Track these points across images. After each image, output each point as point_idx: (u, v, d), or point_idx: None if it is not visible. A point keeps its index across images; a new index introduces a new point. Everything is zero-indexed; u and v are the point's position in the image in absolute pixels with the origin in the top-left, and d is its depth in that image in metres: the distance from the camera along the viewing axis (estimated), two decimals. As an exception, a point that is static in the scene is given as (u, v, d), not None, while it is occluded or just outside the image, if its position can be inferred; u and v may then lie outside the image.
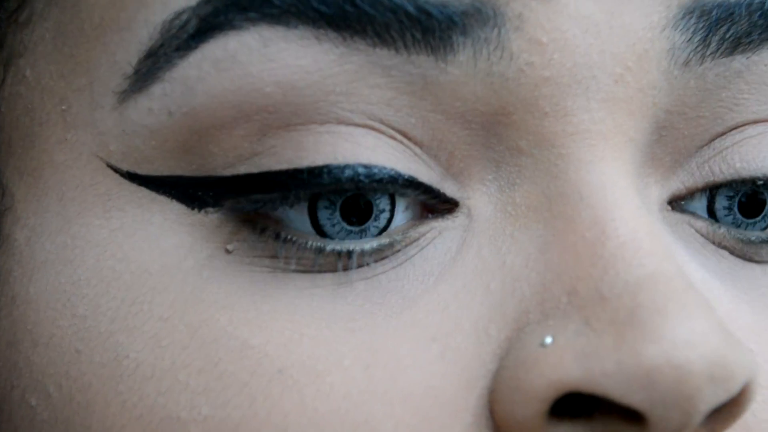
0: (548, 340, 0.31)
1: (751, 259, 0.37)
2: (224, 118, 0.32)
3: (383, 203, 0.33)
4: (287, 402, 0.31)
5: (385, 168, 0.32)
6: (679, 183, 0.36)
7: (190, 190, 0.33)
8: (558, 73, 0.32)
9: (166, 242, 0.33)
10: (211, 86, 0.32)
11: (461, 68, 0.32)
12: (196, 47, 0.32)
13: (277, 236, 0.32)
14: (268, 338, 0.32)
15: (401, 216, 0.33)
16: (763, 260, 0.37)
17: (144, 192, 0.33)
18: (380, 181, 0.32)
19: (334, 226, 0.33)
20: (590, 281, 0.31)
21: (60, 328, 0.34)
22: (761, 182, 0.36)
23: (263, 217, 0.33)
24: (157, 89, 0.32)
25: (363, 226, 0.33)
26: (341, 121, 0.32)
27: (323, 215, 0.33)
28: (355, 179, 0.32)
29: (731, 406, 0.32)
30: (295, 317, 0.32)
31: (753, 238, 0.36)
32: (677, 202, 0.36)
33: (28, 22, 0.35)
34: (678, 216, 0.36)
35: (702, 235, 0.36)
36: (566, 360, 0.30)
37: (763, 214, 0.36)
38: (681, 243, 0.35)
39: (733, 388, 0.30)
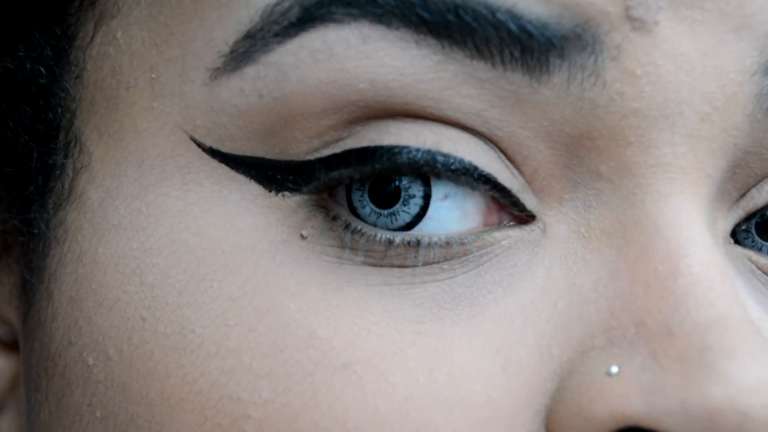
0: (614, 369, 0.31)
1: None
2: (314, 108, 0.32)
3: (414, 189, 0.33)
4: (349, 397, 0.32)
5: (463, 159, 0.33)
6: (740, 210, 0.36)
7: (270, 173, 0.33)
8: (647, 105, 0.33)
9: (242, 222, 0.34)
10: (305, 75, 0.32)
11: (554, 90, 0.32)
12: (295, 35, 0.32)
13: (347, 226, 0.33)
14: (336, 331, 0.32)
15: (446, 212, 0.34)
16: None
17: (224, 169, 0.34)
18: (455, 171, 0.33)
19: (364, 207, 0.33)
20: (660, 315, 0.32)
21: (127, 293, 0.34)
22: None
23: (334, 202, 0.33)
24: (250, 71, 0.33)
25: (392, 209, 0.33)
26: (431, 118, 0.33)
27: (355, 196, 0.33)
28: (429, 162, 0.32)
29: None
30: (363, 313, 0.32)
31: None
32: (739, 233, 0.36)
33: None
34: (739, 250, 0.36)
35: (762, 270, 0.36)
36: (631, 393, 0.31)
37: None
38: (741, 278, 0.36)
39: None
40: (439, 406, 0.32)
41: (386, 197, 0.33)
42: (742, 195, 0.36)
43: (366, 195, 0.33)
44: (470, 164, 0.33)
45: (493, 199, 0.34)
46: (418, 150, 0.32)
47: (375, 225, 0.33)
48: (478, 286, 0.33)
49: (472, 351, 0.32)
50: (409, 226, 0.33)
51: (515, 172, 0.34)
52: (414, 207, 0.33)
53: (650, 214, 0.33)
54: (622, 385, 0.31)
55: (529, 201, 0.34)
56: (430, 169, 0.33)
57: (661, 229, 0.33)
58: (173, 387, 0.33)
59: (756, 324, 0.32)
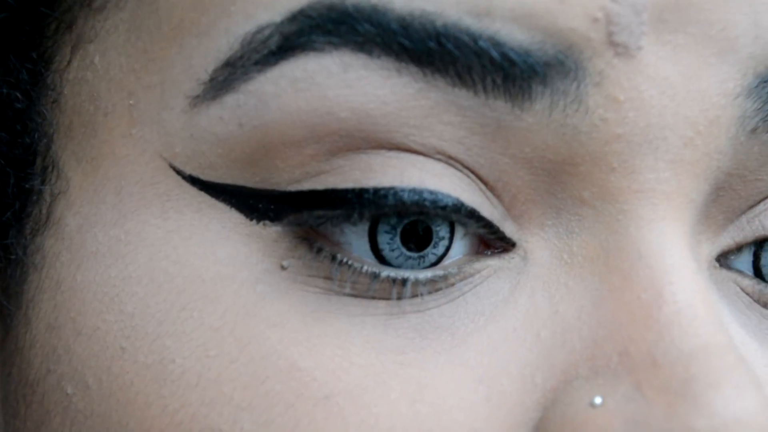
0: (598, 400, 0.31)
1: None
2: (295, 137, 0.32)
3: (443, 231, 0.33)
4: (331, 429, 0.31)
5: (450, 196, 0.32)
6: (729, 239, 0.36)
7: (251, 201, 0.33)
8: (631, 131, 0.33)
9: (222, 251, 0.33)
10: (286, 104, 0.32)
11: (536, 117, 0.32)
12: (275, 63, 0.32)
13: (333, 258, 0.33)
14: (318, 362, 0.32)
15: (458, 247, 0.33)
16: None
17: (204, 197, 0.33)
18: (444, 207, 0.32)
19: (393, 251, 0.33)
20: (643, 345, 0.32)
21: (105, 322, 0.34)
22: None
23: (321, 236, 0.33)
24: (230, 99, 0.32)
25: (422, 252, 0.33)
26: (411, 150, 0.32)
27: (383, 239, 0.33)
28: (419, 203, 0.32)
29: None
30: (345, 344, 0.32)
31: None
32: (725, 258, 0.36)
33: (103, 8, 0.35)
34: (725, 273, 0.36)
35: (747, 294, 0.36)
36: (615, 425, 0.31)
37: None
38: (726, 301, 0.36)
39: None
40: None
41: (418, 241, 0.33)
42: (730, 220, 0.36)
43: (397, 238, 0.33)
44: (457, 200, 0.32)
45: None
46: (403, 190, 0.32)
47: (399, 266, 0.33)
48: (460, 316, 0.33)
49: (455, 381, 0.32)
50: (432, 265, 0.33)
51: (495, 201, 0.33)
52: (442, 248, 0.33)
53: (633, 240, 0.33)
54: (606, 416, 0.31)
55: (508, 229, 0.34)
56: (418, 209, 0.32)
57: (645, 255, 0.33)
58: (153, 418, 0.33)
59: (740, 351, 0.32)
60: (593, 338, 0.32)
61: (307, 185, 0.32)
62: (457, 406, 0.32)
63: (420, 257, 0.33)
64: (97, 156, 0.35)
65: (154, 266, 0.33)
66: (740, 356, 0.31)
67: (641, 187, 0.33)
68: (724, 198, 0.35)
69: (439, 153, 0.32)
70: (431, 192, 0.32)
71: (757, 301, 0.36)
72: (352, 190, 0.32)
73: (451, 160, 0.33)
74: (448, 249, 0.33)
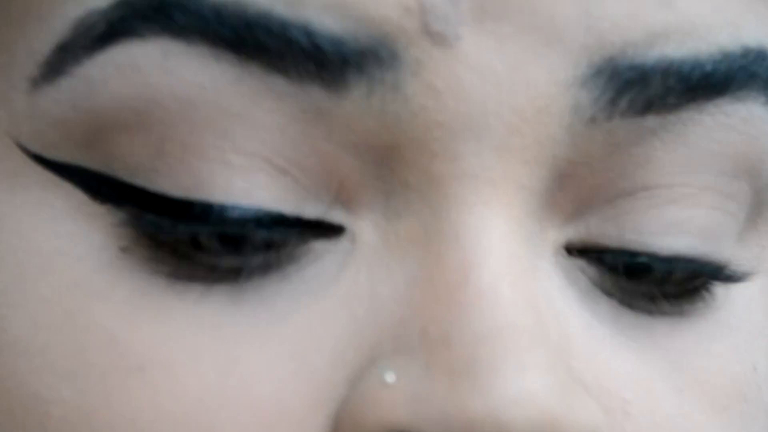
0: (390, 378, 0.32)
1: (643, 311, 0.37)
2: (124, 123, 0.33)
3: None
4: (142, 398, 0.33)
5: (270, 212, 0.33)
6: (581, 230, 0.36)
7: (93, 183, 0.34)
8: (451, 118, 0.33)
9: (63, 227, 0.35)
10: (113, 89, 0.33)
11: (355, 103, 0.33)
12: (101, 49, 0.33)
13: (163, 244, 0.34)
14: (136, 336, 0.33)
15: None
16: (657, 313, 0.37)
17: (50, 176, 0.35)
18: (267, 225, 0.33)
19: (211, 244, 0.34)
20: (442, 325, 0.32)
21: None
22: (645, 258, 0.36)
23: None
24: (64, 83, 0.34)
25: (237, 246, 0.34)
26: (237, 150, 0.33)
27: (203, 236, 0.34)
28: (241, 221, 0.33)
29: None
30: (164, 318, 0.33)
31: (644, 292, 0.36)
32: (574, 249, 0.36)
33: None
34: (574, 261, 0.36)
35: (594, 283, 0.36)
36: (399, 402, 0.32)
37: (649, 279, 0.36)
38: (572, 288, 0.36)
39: None
40: (227, 408, 0.33)
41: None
42: (580, 210, 0.36)
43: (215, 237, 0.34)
44: (279, 215, 0.33)
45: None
46: (231, 207, 0.33)
47: (218, 254, 0.34)
48: (283, 296, 0.34)
49: (267, 357, 0.33)
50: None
51: (321, 193, 0.34)
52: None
53: (453, 223, 0.33)
54: (393, 393, 0.32)
55: (336, 216, 0.34)
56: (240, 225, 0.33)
57: (461, 238, 0.33)
58: None
59: (543, 334, 0.32)
60: (401, 317, 0.33)
61: (139, 180, 0.33)
62: (266, 380, 0.33)
63: (236, 249, 0.34)
64: None
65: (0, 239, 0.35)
66: (540, 338, 0.32)
67: (464, 172, 0.33)
68: (571, 185, 0.35)
69: (262, 145, 0.33)
70: (256, 210, 0.33)
71: (603, 290, 0.36)
72: (180, 201, 0.33)
73: (275, 156, 0.33)
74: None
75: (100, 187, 0.34)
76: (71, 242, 0.34)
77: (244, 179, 0.33)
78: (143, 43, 0.33)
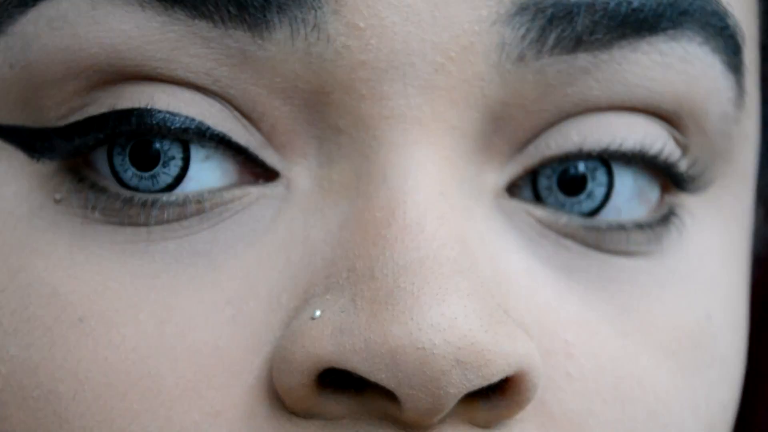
0: (317, 313, 0.32)
1: (599, 248, 0.37)
2: (55, 74, 0.34)
3: (173, 151, 0.34)
4: (83, 349, 0.33)
5: (194, 119, 0.34)
6: (518, 166, 0.36)
7: (30, 140, 0.35)
8: (375, 57, 0.33)
9: (8, 189, 0.35)
10: (45, 43, 0.34)
11: (278, 46, 0.33)
12: (33, 5, 0.34)
13: (93, 185, 0.34)
14: (75, 288, 0.34)
15: (207, 171, 0.34)
16: (612, 249, 0.37)
17: None
18: (186, 130, 0.34)
19: (126, 171, 0.34)
20: (368, 260, 0.32)
21: None
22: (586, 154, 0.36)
23: (87, 167, 0.35)
24: (1, 42, 0.34)
25: (152, 172, 0.34)
26: (164, 80, 0.34)
27: (117, 161, 0.34)
28: (160, 125, 0.33)
29: (506, 395, 0.33)
30: (103, 269, 0.34)
31: (598, 225, 0.36)
32: (517, 188, 0.36)
33: None
34: (515, 204, 0.36)
35: (543, 224, 0.36)
36: (324, 335, 0.32)
37: (586, 192, 0.36)
38: (514, 231, 0.36)
39: (490, 375, 0.31)
40: (165, 356, 0.33)
41: (148, 160, 0.34)
42: (518, 150, 0.36)
43: (126, 159, 0.34)
44: (201, 123, 0.34)
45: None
46: (146, 111, 0.33)
47: (137, 188, 0.34)
48: (218, 242, 0.34)
49: (203, 303, 0.33)
50: (171, 187, 0.34)
51: (252, 129, 0.34)
52: (174, 168, 0.34)
53: (381, 164, 0.34)
54: (319, 327, 0.32)
55: (269, 158, 0.35)
56: (159, 130, 0.34)
57: (389, 178, 0.33)
58: None
59: (465, 265, 0.32)
60: (332, 258, 0.33)
61: (72, 119, 0.34)
62: (203, 326, 0.33)
63: (151, 176, 0.34)
64: None
65: None
66: (461, 268, 0.32)
67: (391, 113, 0.34)
68: (507, 128, 0.35)
69: (189, 84, 0.34)
70: (172, 113, 0.33)
71: (555, 231, 0.36)
72: (103, 115, 0.34)
73: (203, 89, 0.34)
74: (184, 169, 0.34)
75: (35, 142, 0.35)
76: (14, 203, 0.35)
77: (169, 94, 0.34)
78: None
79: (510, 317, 0.33)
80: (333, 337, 0.32)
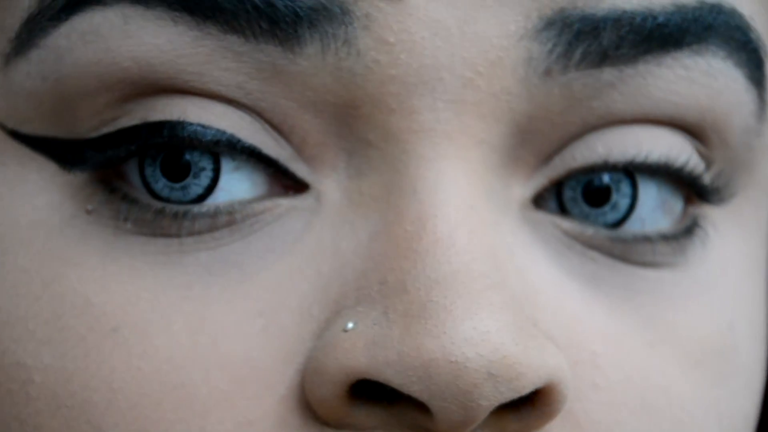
0: (350, 325, 0.33)
1: (625, 260, 0.37)
2: (88, 87, 0.34)
3: (204, 162, 0.35)
4: (116, 359, 0.34)
5: (225, 132, 0.34)
6: (544, 178, 0.36)
7: (62, 152, 0.35)
8: (405, 72, 0.34)
9: (40, 199, 0.36)
10: (78, 57, 0.34)
11: (310, 60, 0.33)
12: (66, 19, 0.34)
13: (125, 197, 0.35)
14: (108, 298, 0.34)
15: (237, 183, 0.35)
16: (638, 261, 0.37)
17: (25, 150, 0.36)
18: (217, 142, 0.34)
19: (157, 182, 0.35)
20: (400, 273, 0.33)
21: None
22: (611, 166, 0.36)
23: (118, 178, 0.35)
24: (34, 55, 0.35)
25: (183, 183, 0.34)
26: (196, 93, 0.34)
27: (148, 172, 0.35)
28: (192, 137, 0.34)
29: (535, 406, 0.33)
30: (135, 280, 0.34)
31: (624, 236, 0.37)
32: (543, 200, 0.37)
33: None
34: (542, 216, 0.36)
35: (569, 236, 0.37)
36: (358, 347, 0.32)
37: (611, 203, 0.37)
38: (540, 243, 0.36)
39: (521, 388, 0.32)
40: (198, 365, 0.33)
41: (178, 171, 0.35)
42: (544, 162, 0.36)
43: (158, 170, 0.35)
44: (233, 136, 0.34)
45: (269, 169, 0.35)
46: (181, 124, 0.34)
47: (169, 199, 0.35)
48: (249, 254, 0.35)
49: (235, 314, 0.34)
50: (201, 198, 0.35)
51: (283, 142, 0.35)
52: (205, 179, 0.35)
53: (411, 178, 0.34)
54: (352, 339, 0.32)
55: (300, 170, 0.35)
56: (191, 142, 0.34)
57: (419, 191, 0.34)
58: None
59: (497, 279, 0.33)
60: (363, 270, 0.34)
61: (104, 130, 0.35)
62: (235, 337, 0.34)
63: (182, 188, 0.34)
64: None
65: None
66: (493, 283, 0.32)
67: (420, 127, 0.34)
68: (533, 141, 0.36)
69: (220, 97, 0.34)
70: (203, 126, 0.34)
71: (581, 243, 0.37)
72: (135, 127, 0.34)
73: (234, 102, 0.34)
74: (215, 180, 0.35)
75: (67, 153, 0.35)
76: (47, 213, 0.35)
77: (200, 107, 0.34)
78: (104, 10, 0.34)
79: (539, 330, 0.33)
80: (366, 349, 0.32)
